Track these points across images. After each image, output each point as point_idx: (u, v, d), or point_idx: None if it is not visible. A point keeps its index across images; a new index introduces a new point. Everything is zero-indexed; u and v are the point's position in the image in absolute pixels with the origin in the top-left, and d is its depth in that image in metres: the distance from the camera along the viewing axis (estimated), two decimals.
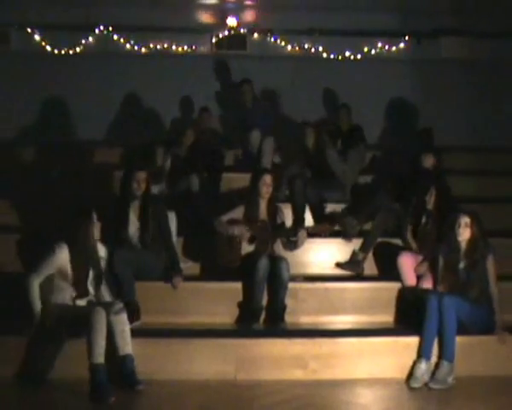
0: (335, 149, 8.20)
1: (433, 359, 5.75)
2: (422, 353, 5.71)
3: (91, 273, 5.80)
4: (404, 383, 5.68)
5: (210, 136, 8.91)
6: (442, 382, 5.60)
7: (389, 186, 7.56)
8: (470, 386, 5.66)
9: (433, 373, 5.66)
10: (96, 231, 5.81)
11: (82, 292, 5.73)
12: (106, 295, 5.91)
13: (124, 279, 6.20)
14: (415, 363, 5.72)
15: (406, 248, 6.79)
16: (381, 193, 7.34)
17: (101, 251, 5.93)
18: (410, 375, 5.70)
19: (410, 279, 6.51)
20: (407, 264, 6.52)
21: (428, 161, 7.51)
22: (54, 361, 5.66)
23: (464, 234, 5.98)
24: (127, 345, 5.48)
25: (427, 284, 6.37)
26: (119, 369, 5.45)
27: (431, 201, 6.72)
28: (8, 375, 5.68)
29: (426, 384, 5.63)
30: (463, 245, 6.02)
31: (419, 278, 6.47)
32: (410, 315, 6.30)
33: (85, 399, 5.27)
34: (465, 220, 5.98)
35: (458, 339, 5.74)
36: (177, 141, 8.18)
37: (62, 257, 5.70)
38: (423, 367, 5.65)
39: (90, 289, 5.80)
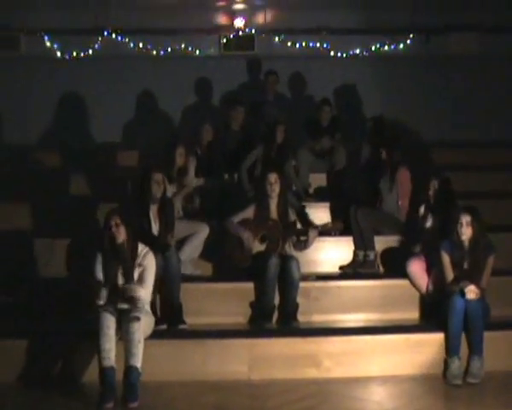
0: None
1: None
2: (454, 350, 5.73)
3: (121, 276, 5.69)
4: (442, 380, 5.72)
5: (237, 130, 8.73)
6: (477, 376, 5.66)
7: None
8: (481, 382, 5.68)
9: (467, 369, 5.71)
10: (123, 232, 5.69)
11: (111, 296, 5.59)
12: (139, 298, 5.64)
13: (175, 283, 6.28)
14: (447, 361, 5.75)
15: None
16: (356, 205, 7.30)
17: (142, 253, 5.79)
18: (446, 373, 5.72)
19: (423, 284, 6.51)
20: (417, 271, 6.52)
21: (383, 154, 7.50)
22: (61, 364, 5.73)
23: (467, 232, 5.99)
24: (133, 356, 5.27)
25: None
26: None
27: (433, 195, 6.75)
28: (13, 378, 5.74)
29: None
30: (467, 243, 6.03)
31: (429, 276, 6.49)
32: (425, 312, 6.43)
33: (90, 403, 5.28)
34: (466, 219, 5.97)
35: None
36: (195, 140, 8.09)
37: (99, 261, 5.70)
38: (458, 363, 5.70)
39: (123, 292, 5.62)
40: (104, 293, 5.57)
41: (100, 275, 5.68)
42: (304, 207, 7.69)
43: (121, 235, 5.69)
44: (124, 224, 5.68)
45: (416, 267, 6.53)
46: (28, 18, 10.08)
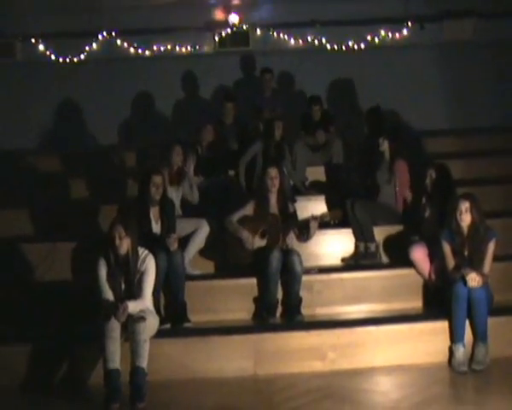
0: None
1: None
2: (458, 337, 5.74)
3: (123, 285, 5.64)
4: (448, 368, 5.73)
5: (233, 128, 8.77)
6: (483, 362, 5.67)
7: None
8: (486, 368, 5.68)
9: (472, 356, 5.71)
10: (127, 243, 5.60)
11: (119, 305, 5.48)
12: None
13: (180, 282, 6.28)
14: (452, 349, 5.76)
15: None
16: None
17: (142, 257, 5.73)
18: (451, 361, 5.73)
19: (427, 269, 6.50)
20: (420, 257, 6.52)
21: (383, 145, 7.48)
22: (66, 368, 5.75)
23: (466, 219, 5.97)
24: (139, 357, 5.26)
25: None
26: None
27: (430, 184, 6.74)
28: (16, 383, 5.74)
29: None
30: (466, 230, 6.02)
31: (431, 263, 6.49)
32: (428, 300, 6.45)
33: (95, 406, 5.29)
34: (465, 206, 5.96)
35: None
36: (196, 139, 8.08)
37: (103, 273, 5.63)
38: (463, 351, 5.71)
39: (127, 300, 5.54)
40: (109, 308, 5.49)
41: (106, 289, 5.60)
42: (295, 201, 7.64)
43: (125, 247, 5.61)
44: (128, 235, 5.59)
45: (420, 254, 6.52)
46: (22, 24, 10.08)
